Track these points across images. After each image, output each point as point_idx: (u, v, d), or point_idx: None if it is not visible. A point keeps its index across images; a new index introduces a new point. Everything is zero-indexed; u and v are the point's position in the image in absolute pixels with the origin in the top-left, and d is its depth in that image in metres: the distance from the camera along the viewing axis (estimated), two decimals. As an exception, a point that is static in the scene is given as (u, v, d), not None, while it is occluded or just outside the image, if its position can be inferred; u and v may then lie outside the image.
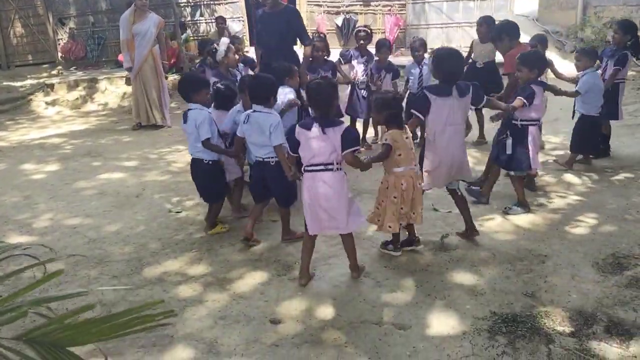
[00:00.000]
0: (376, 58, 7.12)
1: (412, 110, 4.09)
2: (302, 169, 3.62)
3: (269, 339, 3.16)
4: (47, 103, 11.41)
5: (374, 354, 2.97)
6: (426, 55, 7.08)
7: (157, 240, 4.59)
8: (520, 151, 4.77)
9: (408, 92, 7.11)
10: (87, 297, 3.58)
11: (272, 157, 4.13)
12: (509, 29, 6.02)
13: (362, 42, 7.07)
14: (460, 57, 4.21)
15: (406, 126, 3.91)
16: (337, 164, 3.52)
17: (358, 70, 7.06)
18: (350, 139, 3.50)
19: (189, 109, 4.42)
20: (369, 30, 7.25)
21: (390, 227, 3.86)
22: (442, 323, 3.24)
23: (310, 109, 3.75)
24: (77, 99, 11.55)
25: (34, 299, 1.49)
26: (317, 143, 3.50)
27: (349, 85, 7.07)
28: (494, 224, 4.63)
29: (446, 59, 4.09)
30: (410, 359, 2.93)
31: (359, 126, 7.32)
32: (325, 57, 6.73)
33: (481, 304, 3.43)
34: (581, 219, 4.67)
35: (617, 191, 5.30)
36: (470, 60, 7.20)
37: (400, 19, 14.02)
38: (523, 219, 4.70)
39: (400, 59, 11.69)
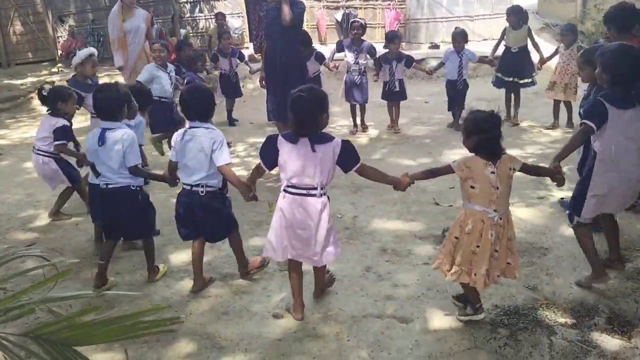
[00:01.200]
0: (386, 50, 7.73)
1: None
2: (282, 187, 3.13)
3: (271, 333, 3.17)
4: (47, 101, 11.41)
5: (376, 348, 2.99)
6: (466, 46, 7.66)
7: (160, 236, 4.59)
8: None
9: (446, 79, 7.84)
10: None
11: (203, 186, 3.47)
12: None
13: (355, 32, 7.61)
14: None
15: (500, 161, 2.96)
16: (322, 188, 3.04)
17: (349, 58, 7.60)
18: (352, 153, 3.07)
19: (105, 128, 3.66)
20: (363, 22, 7.87)
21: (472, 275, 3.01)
22: (444, 316, 3.25)
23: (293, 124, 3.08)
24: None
25: (42, 298, 1.51)
26: (302, 161, 2.99)
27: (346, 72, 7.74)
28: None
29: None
30: (412, 352, 2.94)
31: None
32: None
33: (483, 297, 3.42)
34: (582, 211, 4.67)
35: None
36: (504, 46, 7.83)
37: (400, 13, 14.00)
38: (525, 213, 4.70)
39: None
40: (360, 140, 7.48)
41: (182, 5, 13.79)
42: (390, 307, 3.37)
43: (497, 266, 3.01)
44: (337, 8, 14.24)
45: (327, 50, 9.45)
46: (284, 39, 6.05)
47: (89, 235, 4.68)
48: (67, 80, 5.81)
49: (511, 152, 6.26)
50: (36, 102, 11.35)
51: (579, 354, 2.85)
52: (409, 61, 7.74)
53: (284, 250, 3.17)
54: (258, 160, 3.23)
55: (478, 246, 2.94)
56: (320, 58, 7.64)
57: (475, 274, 2.97)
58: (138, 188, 3.75)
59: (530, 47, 7.77)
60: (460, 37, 7.55)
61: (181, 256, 4.18)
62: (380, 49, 8.12)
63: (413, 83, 10.87)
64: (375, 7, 14.24)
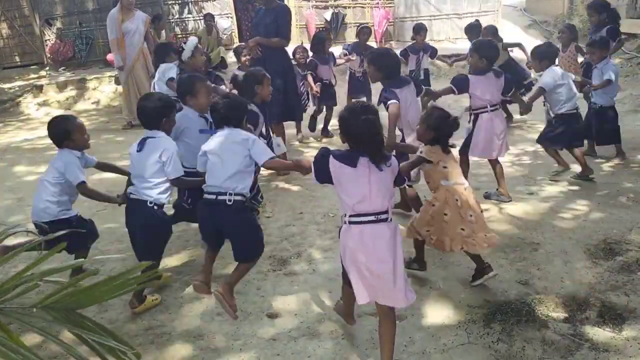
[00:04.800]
0: (413, 41, 8.23)
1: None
2: (343, 219, 2.67)
3: (266, 333, 3.18)
4: (37, 104, 11.34)
5: (370, 345, 3.00)
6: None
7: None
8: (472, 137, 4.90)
9: None
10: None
11: (231, 194, 3.18)
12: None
13: (365, 37, 7.99)
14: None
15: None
16: (390, 213, 2.67)
17: (356, 61, 7.81)
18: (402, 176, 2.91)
19: (148, 137, 3.52)
20: (371, 29, 8.54)
21: (432, 238, 3.41)
22: (438, 313, 3.28)
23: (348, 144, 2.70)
24: (67, 99, 11.48)
25: (42, 271, 1.66)
26: (366, 185, 2.59)
27: (348, 72, 8.10)
28: (487, 214, 4.65)
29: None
30: (406, 349, 2.96)
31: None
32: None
33: (476, 292, 3.47)
34: (572, 206, 4.72)
35: (607, 178, 5.36)
36: None
37: (388, 12, 14.02)
38: (516, 209, 4.74)
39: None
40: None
41: (170, 6, 13.73)
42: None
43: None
44: (325, 7, 14.22)
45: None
46: (272, 49, 6.27)
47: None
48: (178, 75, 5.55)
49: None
50: (25, 105, 11.30)
51: (572, 348, 2.88)
52: (434, 53, 8.21)
53: (369, 290, 2.64)
54: None
55: (471, 214, 3.37)
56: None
57: (474, 239, 3.33)
58: (156, 206, 3.43)
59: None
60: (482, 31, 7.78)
61: (173, 259, 4.18)
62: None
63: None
64: (364, 6, 14.24)
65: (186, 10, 13.97)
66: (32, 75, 13.24)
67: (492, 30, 7.60)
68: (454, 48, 12.36)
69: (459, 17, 13.87)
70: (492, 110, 4.81)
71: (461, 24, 13.62)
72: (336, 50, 8.34)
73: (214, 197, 3.21)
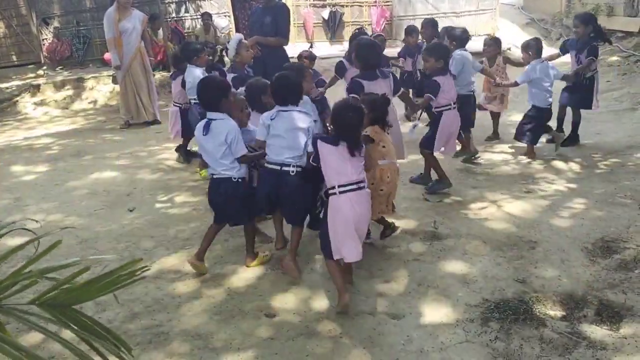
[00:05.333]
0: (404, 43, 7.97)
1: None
2: (335, 190, 3.28)
3: (264, 332, 3.18)
4: (34, 104, 11.32)
5: (368, 344, 3.01)
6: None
7: (150, 238, 4.59)
8: (431, 134, 5.19)
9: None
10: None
11: (294, 166, 3.65)
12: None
13: (411, 37, 7.75)
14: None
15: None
16: (364, 181, 3.36)
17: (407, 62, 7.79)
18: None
19: (210, 119, 3.72)
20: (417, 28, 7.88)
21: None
22: (435, 311, 3.28)
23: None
24: (65, 99, 11.45)
25: (41, 269, 1.69)
26: (347, 160, 3.28)
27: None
28: (484, 212, 4.67)
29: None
30: (404, 348, 2.96)
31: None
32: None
33: (473, 291, 3.47)
34: (570, 204, 4.72)
35: (604, 176, 5.36)
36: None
37: (386, 11, 14.01)
38: (513, 207, 4.74)
39: (387, 49, 11.69)
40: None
41: (167, 5, 13.71)
42: (382, 304, 3.39)
43: None
44: (323, 6, 14.22)
45: (314, 48, 9.47)
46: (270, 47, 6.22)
47: (78, 238, 4.66)
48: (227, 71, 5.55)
49: (504, 146, 6.33)
50: (22, 105, 11.28)
51: (569, 346, 2.88)
52: None
53: (356, 249, 3.32)
54: None
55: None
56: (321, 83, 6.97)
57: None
58: (240, 180, 3.79)
59: None
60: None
61: (171, 259, 4.18)
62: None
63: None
64: (362, 4, 14.24)
65: (183, 9, 13.95)
66: (30, 75, 13.22)
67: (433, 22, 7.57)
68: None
69: (456, 15, 13.88)
70: (454, 107, 5.10)
71: (459, 23, 13.63)
72: (333, 49, 8.28)
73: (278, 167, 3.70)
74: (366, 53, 4.61)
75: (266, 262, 3.99)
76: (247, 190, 3.88)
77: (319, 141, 3.35)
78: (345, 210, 3.25)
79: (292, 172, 3.64)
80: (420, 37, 7.69)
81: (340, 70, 6.30)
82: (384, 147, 3.83)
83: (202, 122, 3.76)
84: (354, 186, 3.27)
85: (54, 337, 1.61)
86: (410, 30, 7.91)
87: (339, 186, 3.26)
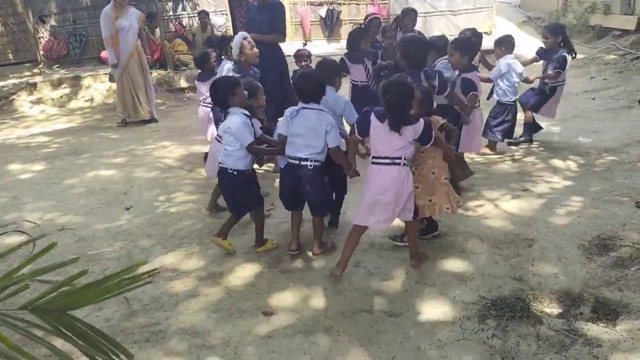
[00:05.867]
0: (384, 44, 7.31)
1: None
2: (370, 160, 3.59)
3: (262, 330, 3.18)
4: (30, 102, 11.29)
5: (366, 342, 3.01)
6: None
7: (147, 236, 4.59)
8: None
9: None
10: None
11: (311, 161, 3.83)
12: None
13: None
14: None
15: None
16: (405, 159, 3.49)
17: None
18: (429, 134, 3.53)
19: (228, 114, 4.07)
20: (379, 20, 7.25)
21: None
22: (433, 309, 3.29)
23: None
24: (61, 97, 11.43)
25: (33, 271, 1.60)
26: (389, 137, 3.45)
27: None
28: (482, 210, 4.68)
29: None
30: (402, 345, 2.97)
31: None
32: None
33: (470, 289, 3.48)
34: (567, 202, 4.73)
35: (601, 174, 5.37)
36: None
37: (383, 9, 14.02)
38: (510, 205, 4.75)
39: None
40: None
41: (164, 3, 13.69)
42: (379, 302, 3.40)
43: None
44: (320, 4, 14.22)
45: (312, 46, 9.44)
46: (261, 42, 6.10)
47: (75, 236, 4.66)
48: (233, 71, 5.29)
49: (502, 143, 6.34)
50: (19, 103, 11.25)
51: (566, 343, 2.89)
52: None
53: (371, 216, 3.59)
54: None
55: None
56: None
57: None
58: (235, 172, 3.99)
59: None
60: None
61: (168, 257, 4.18)
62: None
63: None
64: (359, 3, 14.25)
65: (180, 7, 13.93)
66: (26, 73, 13.19)
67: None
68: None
69: (453, 13, 13.89)
70: (478, 106, 5.08)
71: (456, 21, 13.66)
72: (330, 47, 8.23)
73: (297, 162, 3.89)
74: (413, 51, 4.47)
75: (274, 249, 4.19)
76: (243, 184, 4.05)
77: (372, 114, 3.53)
78: (376, 180, 3.51)
79: (310, 166, 3.82)
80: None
81: (343, 67, 5.97)
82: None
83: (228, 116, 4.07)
84: (388, 161, 3.47)
85: (45, 344, 1.55)
86: (385, 30, 7.30)
87: (374, 157, 3.53)
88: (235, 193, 4.10)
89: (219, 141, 4.62)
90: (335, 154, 3.88)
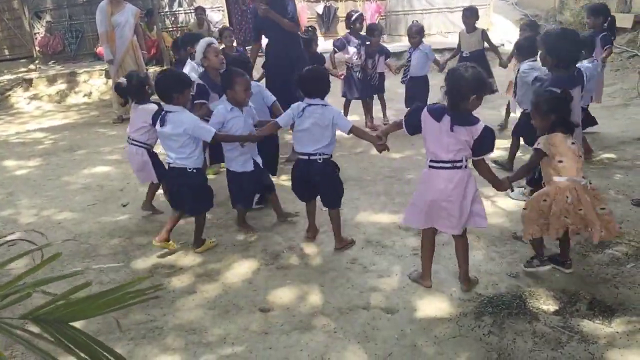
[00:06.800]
0: (368, 42, 7.35)
1: None
2: (427, 163, 3.24)
3: (258, 327, 3.18)
4: (26, 98, 11.25)
5: (363, 339, 3.01)
6: (424, 40, 7.36)
7: (144, 233, 4.58)
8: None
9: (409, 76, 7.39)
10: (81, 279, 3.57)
11: (320, 154, 3.87)
12: None
13: (358, 25, 7.30)
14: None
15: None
16: (465, 161, 3.13)
17: (351, 53, 7.26)
18: (488, 143, 3.11)
19: (166, 111, 3.94)
20: (362, 15, 7.56)
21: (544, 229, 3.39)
22: (429, 306, 3.29)
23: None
24: (57, 93, 11.39)
25: (35, 281, 1.58)
26: (445, 138, 3.08)
27: (345, 68, 7.53)
28: (478, 208, 4.68)
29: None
30: (398, 342, 2.97)
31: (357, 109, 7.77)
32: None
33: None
34: (563, 200, 4.73)
35: (597, 172, 5.38)
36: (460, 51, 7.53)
37: (380, 6, 14.00)
38: (507, 202, 4.76)
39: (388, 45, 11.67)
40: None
41: (160, -1, 13.65)
42: (376, 298, 3.40)
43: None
44: (317, 1, 14.19)
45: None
46: (286, 36, 6.04)
47: (72, 233, 4.65)
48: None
49: (499, 141, 6.33)
50: (15, 99, 11.20)
51: (562, 340, 2.90)
52: (387, 55, 7.69)
53: (429, 218, 3.32)
54: None
55: (580, 209, 3.23)
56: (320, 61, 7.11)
57: (591, 229, 3.25)
58: (195, 170, 4.01)
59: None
60: (413, 33, 7.22)
61: (165, 254, 4.17)
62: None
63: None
64: (356, -1, 14.22)
65: (177, 3, 13.88)
66: (22, 69, 13.13)
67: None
68: (445, 42, 12.37)
69: (450, 10, 13.87)
70: None
71: (453, 18, 13.65)
72: (327, 44, 8.24)
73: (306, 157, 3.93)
74: (563, 46, 3.96)
75: (212, 248, 4.21)
76: (201, 182, 4.11)
77: (424, 110, 3.17)
78: (437, 185, 3.18)
79: (320, 160, 3.88)
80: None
81: (339, 46, 7.22)
82: (560, 162, 3.28)
83: (159, 115, 4.00)
84: (449, 164, 3.12)
85: (43, 355, 1.49)
86: (373, 29, 7.54)
87: (432, 160, 3.19)
88: (198, 191, 4.08)
89: (133, 144, 4.75)
90: (355, 132, 3.93)
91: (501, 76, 7.40)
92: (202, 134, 3.93)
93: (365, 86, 7.45)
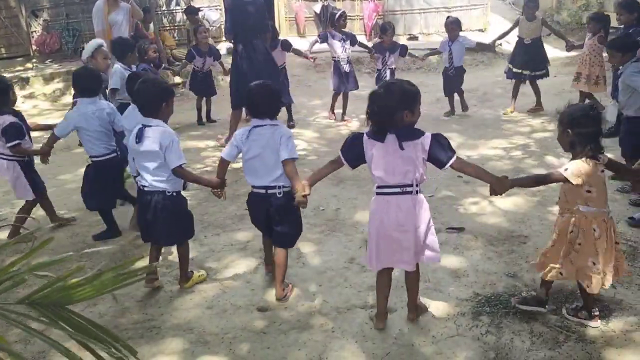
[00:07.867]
0: (379, 40, 8.14)
1: None
2: (374, 190, 2.94)
3: (257, 326, 3.18)
4: (23, 97, 11.20)
5: (361, 338, 3.02)
6: (461, 33, 7.92)
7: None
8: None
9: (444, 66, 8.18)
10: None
11: (280, 187, 3.31)
12: None
13: (342, 22, 7.95)
14: None
15: (601, 157, 2.90)
16: (417, 185, 2.85)
17: (336, 47, 7.86)
18: (446, 145, 2.84)
19: (145, 125, 3.38)
20: (345, 13, 8.28)
21: (561, 274, 2.98)
22: (427, 305, 3.29)
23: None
24: (54, 92, 11.35)
25: (30, 266, 1.59)
26: (392, 159, 2.82)
27: (332, 63, 8.07)
28: (476, 207, 4.70)
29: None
30: (396, 342, 2.97)
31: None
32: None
33: (464, 285, 3.50)
34: (560, 199, 4.74)
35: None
36: (517, 37, 7.89)
37: (378, 5, 13.99)
38: (504, 202, 4.76)
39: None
40: (343, 131, 7.46)
41: (158, -2, 13.61)
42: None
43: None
44: (315, 0, 14.19)
45: (306, 42, 9.54)
46: (255, 31, 6.41)
47: (69, 232, 4.64)
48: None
49: (499, 141, 6.35)
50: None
51: (559, 339, 2.91)
52: (404, 50, 8.03)
53: (385, 256, 2.97)
54: None
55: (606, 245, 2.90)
56: (286, 46, 7.77)
57: (605, 273, 2.91)
58: (175, 194, 3.48)
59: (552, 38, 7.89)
60: (451, 26, 7.83)
61: (164, 253, 4.16)
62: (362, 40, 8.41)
63: (407, 74, 10.91)
64: (354, -1, 14.22)
65: (174, 2, 13.85)
66: (18, 68, 13.09)
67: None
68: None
69: (448, 10, 13.87)
70: None
71: (451, 18, 13.66)
72: (324, 43, 8.25)
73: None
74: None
75: (203, 281, 3.72)
76: (183, 207, 3.59)
77: (364, 136, 2.90)
78: (388, 214, 2.87)
79: (279, 194, 3.32)
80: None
81: (323, 38, 7.92)
82: (588, 191, 2.87)
83: (136, 129, 3.42)
84: (398, 189, 2.83)
85: (41, 337, 1.50)
86: (386, 29, 7.96)
87: (379, 187, 2.89)
88: (179, 217, 3.55)
89: (4, 159, 4.44)
90: (287, 169, 3.26)
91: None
92: (171, 158, 3.34)
93: (353, 79, 8.01)
